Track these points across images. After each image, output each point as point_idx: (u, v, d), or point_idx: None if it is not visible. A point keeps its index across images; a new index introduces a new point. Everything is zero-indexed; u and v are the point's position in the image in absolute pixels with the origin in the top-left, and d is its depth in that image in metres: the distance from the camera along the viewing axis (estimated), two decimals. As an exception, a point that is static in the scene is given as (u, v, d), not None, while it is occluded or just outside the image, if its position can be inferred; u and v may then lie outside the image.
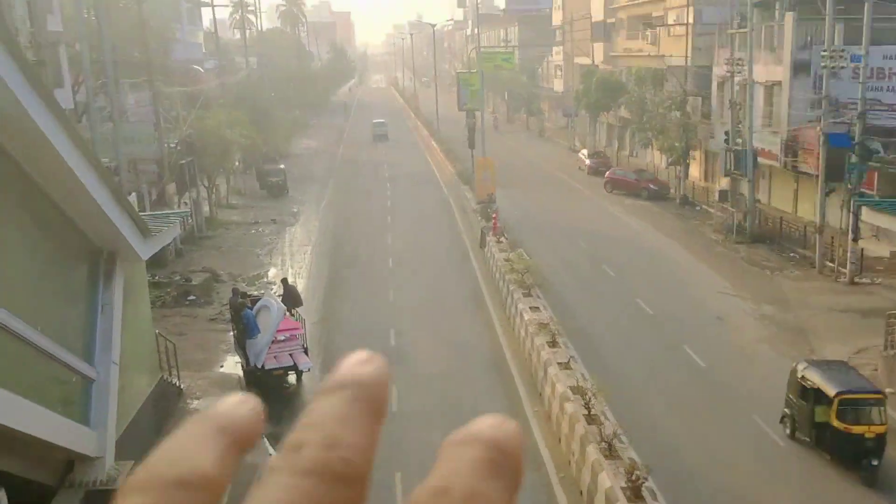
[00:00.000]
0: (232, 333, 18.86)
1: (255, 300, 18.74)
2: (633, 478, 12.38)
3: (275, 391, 16.73)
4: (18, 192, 10.01)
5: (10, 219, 9.83)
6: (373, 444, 0.45)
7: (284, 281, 21.25)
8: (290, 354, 17.65)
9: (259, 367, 17.18)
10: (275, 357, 17.46)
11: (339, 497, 0.42)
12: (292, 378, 18.16)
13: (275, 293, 20.61)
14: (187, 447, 0.44)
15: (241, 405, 0.49)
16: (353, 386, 0.48)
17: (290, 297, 19.66)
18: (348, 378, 0.49)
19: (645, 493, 12.32)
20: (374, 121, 66.97)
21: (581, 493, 13.47)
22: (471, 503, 0.39)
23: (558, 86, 63.68)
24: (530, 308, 20.55)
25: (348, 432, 0.44)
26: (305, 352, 17.95)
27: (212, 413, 0.47)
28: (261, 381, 17.08)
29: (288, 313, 18.56)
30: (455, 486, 0.40)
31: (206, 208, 33.61)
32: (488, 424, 0.44)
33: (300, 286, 23.94)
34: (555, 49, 64.70)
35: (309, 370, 17.70)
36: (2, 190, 9.09)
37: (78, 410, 10.96)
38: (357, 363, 0.50)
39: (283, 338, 17.60)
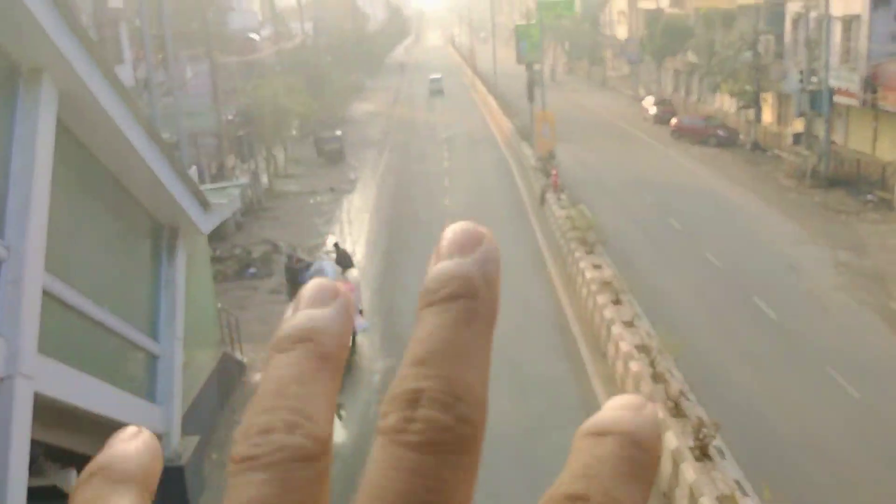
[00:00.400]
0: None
1: (308, 264, 19.27)
2: (701, 436, 12.05)
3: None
4: (82, 171, 10.09)
5: (75, 198, 9.87)
6: (487, 383, 0.36)
7: (336, 245, 21.78)
8: None
9: None
10: None
11: (457, 470, 0.34)
12: None
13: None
14: (299, 394, 0.37)
15: (322, 298, 0.38)
16: (474, 294, 0.36)
17: (343, 260, 20.23)
18: (470, 277, 0.36)
19: (713, 451, 11.97)
20: (430, 76, 68.42)
21: (647, 454, 13.22)
22: None
23: (621, 32, 61.71)
24: (593, 266, 20.14)
25: (472, 371, 0.36)
26: (360, 313, 18.20)
27: (304, 325, 0.38)
28: None
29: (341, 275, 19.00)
30: (593, 491, 0.34)
31: (264, 179, 33.89)
32: (626, 410, 0.36)
33: (359, 254, 24.17)
34: (617, -7, 62.72)
35: (365, 330, 17.87)
36: (66, 169, 9.12)
37: (144, 387, 11.09)
38: (464, 236, 0.37)
39: None
